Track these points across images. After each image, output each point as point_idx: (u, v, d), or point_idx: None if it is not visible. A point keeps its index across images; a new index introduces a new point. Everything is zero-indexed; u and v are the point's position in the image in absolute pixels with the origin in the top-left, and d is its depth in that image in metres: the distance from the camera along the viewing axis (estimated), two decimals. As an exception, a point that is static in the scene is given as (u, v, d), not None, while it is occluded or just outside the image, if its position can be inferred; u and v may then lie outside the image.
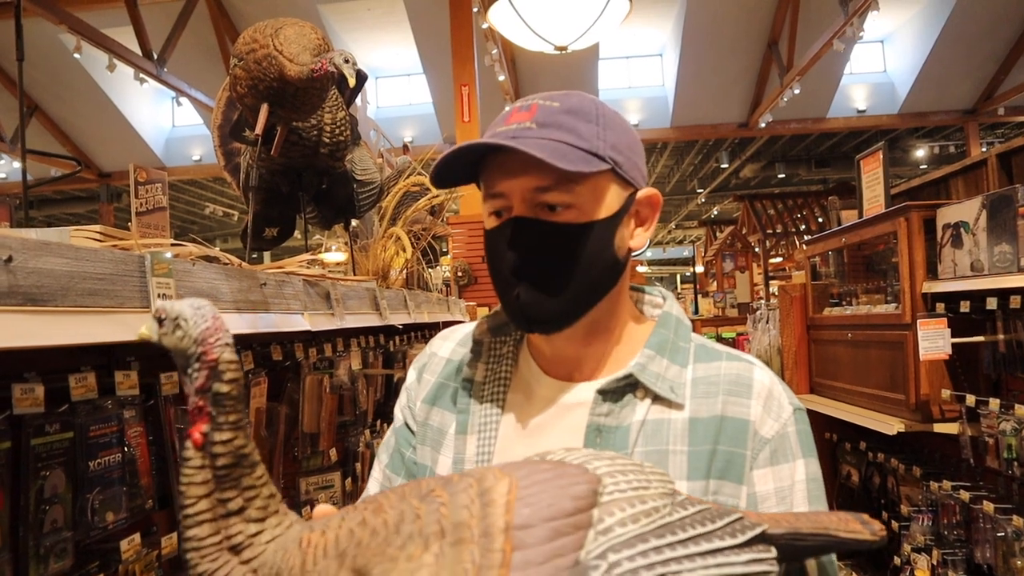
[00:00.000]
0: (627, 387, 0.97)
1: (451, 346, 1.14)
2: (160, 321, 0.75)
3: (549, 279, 0.95)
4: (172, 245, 1.29)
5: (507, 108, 0.99)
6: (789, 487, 0.93)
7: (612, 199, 0.96)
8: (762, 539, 0.74)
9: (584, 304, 0.98)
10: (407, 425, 1.13)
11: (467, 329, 1.14)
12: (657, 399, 0.96)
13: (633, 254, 1.03)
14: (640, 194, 1.00)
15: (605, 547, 0.69)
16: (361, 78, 1.88)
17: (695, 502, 0.76)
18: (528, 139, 0.91)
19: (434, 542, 0.67)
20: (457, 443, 1.03)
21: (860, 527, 0.79)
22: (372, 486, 1.15)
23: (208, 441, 0.71)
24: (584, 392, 0.99)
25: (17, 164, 12.36)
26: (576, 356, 1.01)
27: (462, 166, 0.98)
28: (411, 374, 1.16)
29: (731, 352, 1.03)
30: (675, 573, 0.69)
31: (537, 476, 0.73)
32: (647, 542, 0.70)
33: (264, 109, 1.90)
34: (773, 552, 0.74)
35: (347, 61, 1.80)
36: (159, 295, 1.02)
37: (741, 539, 0.73)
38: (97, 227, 1.27)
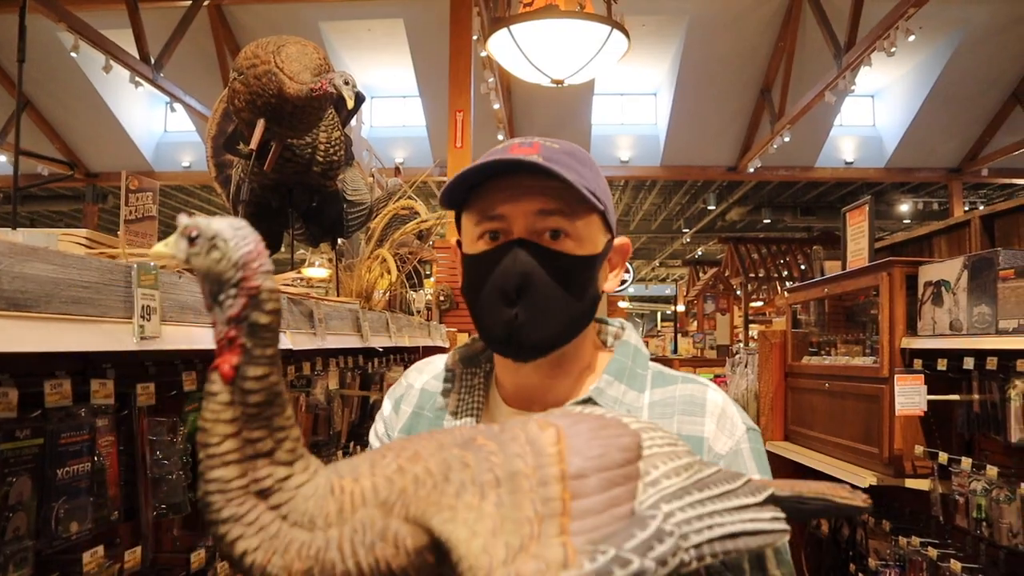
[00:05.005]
0: None
1: (426, 378, 1.17)
2: (191, 239, 0.67)
3: (549, 303, 0.96)
4: (159, 255, 1.28)
5: (504, 142, 1.01)
6: None
7: (599, 239, 1.01)
8: (772, 500, 0.78)
9: (571, 333, 1.01)
10: None
11: (441, 363, 1.16)
12: None
13: (606, 293, 1.06)
14: (616, 241, 1.06)
15: (656, 498, 0.70)
16: (359, 100, 1.89)
17: (707, 463, 0.80)
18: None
19: (490, 491, 0.65)
20: None
21: (850, 495, 0.83)
22: None
23: (240, 375, 0.65)
24: None
25: (2, 158, 12.21)
26: (540, 386, 1.04)
27: (463, 189, 1.00)
28: (387, 404, 1.18)
29: (687, 376, 1.07)
30: (719, 525, 0.71)
31: (581, 426, 0.73)
32: (691, 495, 0.73)
33: (260, 124, 1.90)
34: (783, 515, 0.78)
35: (347, 83, 1.82)
36: (143, 306, 1.01)
37: (760, 498, 0.77)
38: (84, 231, 1.26)
